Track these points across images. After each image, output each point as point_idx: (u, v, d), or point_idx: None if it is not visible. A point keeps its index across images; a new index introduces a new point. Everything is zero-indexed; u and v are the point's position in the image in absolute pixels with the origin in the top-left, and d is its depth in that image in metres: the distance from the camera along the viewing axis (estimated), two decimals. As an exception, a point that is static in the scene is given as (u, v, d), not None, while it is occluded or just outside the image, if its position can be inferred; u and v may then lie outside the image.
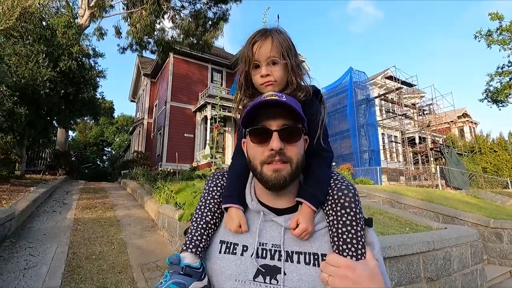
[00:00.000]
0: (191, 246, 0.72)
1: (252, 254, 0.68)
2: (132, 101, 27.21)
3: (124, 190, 10.42)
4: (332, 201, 0.69)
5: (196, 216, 0.77)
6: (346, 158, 18.32)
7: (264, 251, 0.68)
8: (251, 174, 0.79)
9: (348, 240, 0.64)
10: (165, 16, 12.88)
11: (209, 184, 0.82)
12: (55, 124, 11.25)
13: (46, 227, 5.00)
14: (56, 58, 8.64)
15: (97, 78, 10.99)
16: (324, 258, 0.65)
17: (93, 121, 17.55)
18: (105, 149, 38.78)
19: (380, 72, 20.75)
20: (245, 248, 0.70)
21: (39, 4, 8.87)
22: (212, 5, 12.96)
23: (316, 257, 0.66)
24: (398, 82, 18.51)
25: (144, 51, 14.33)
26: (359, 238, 0.64)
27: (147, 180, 9.08)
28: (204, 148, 14.98)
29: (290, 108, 0.65)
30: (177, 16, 13.02)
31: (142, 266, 3.83)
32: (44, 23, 8.88)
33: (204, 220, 0.76)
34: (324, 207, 0.71)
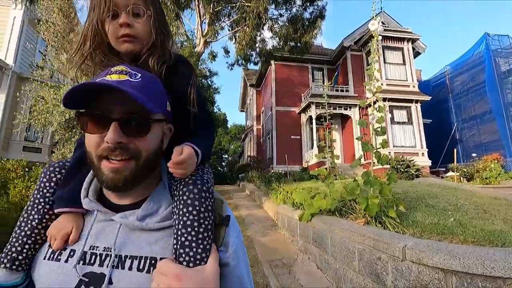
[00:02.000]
0: (5, 261, 0.57)
1: (76, 260, 0.55)
2: (241, 111, 30.01)
3: (243, 192, 11.50)
4: (177, 197, 0.58)
5: (21, 219, 0.62)
6: (490, 146, 14.58)
7: (94, 256, 0.56)
8: None
9: (187, 243, 0.54)
10: (265, 27, 13.63)
11: (41, 179, 0.65)
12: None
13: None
14: (184, 83, 10.49)
15: (214, 95, 12.66)
16: None
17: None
18: (223, 156, 44.07)
19: (534, 30, 15.67)
20: (71, 253, 0.57)
21: (169, 42, 10.98)
22: (308, 5, 12.87)
23: (153, 262, 0.55)
24: None
25: (248, 64, 15.59)
26: (199, 241, 0.54)
27: (262, 182, 9.74)
28: (312, 148, 14.90)
29: (135, 98, 0.50)
30: (275, 25, 13.57)
31: (269, 263, 4.09)
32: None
33: (29, 226, 0.60)
34: (173, 205, 0.59)
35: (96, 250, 0.57)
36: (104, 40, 0.66)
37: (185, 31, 14.52)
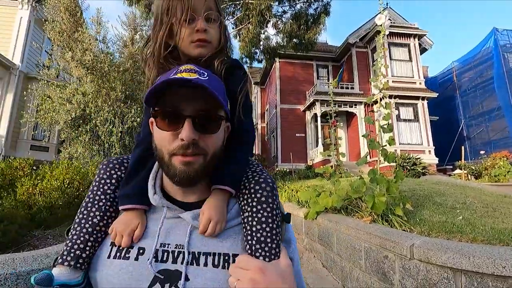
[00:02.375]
0: (69, 258, 0.56)
1: (150, 258, 0.54)
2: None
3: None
4: (248, 195, 0.60)
5: (81, 216, 0.60)
6: (499, 144, 14.35)
7: (166, 254, 0.56)
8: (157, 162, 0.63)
9: (262, 238, 0.56)
10: (269, 25, 13.57)
11: (101, 175, 0.64)
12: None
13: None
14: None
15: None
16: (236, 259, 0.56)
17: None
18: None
19: (545, 25, 15.34)
20: (141, 251, 0.56)
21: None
22: (312, 1, 12.77)
23: (226, 258, 0.57)
24: None
25: (252, 61, 15.54)
26: (273, 237, 0.57)
27: (267, 180, 9.72)
28: (317, 146, 14.83)
29: (210, 93, 0.51)
30: (279, 22, 13.49)
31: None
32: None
33: (90, 223, 0.59)
34: (239, 202, 0.62)
35: (167, 247, 0.57)
36: (170, 42, 0.66)
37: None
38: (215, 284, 0.54)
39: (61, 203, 3.54)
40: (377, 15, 4.01)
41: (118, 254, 0.57)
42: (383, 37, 4.11)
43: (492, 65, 14.79)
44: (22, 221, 2.76)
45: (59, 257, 0.57)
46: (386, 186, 3.30)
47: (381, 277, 2.64)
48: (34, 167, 4.21)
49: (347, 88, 15.69)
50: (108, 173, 0.64)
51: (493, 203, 3.80)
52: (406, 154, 11.52)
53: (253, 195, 0.59)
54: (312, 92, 15.63)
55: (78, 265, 0.56)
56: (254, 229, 0.57)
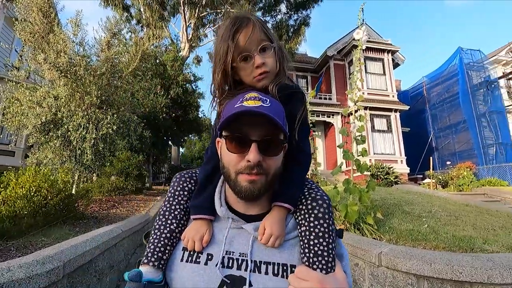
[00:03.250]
0: (153, 259, 0.65)
1: (217, 263, 0.62)
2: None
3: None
4: (306, 210, 0.65)
5: (160, 223, 0.69)
6: (464, 155, 15.29)
7: (231, 260, 0.63)
8: (222, 177, 0.71)
9: (320, 252, 0.61)
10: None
11: (175, 188, 0.73)
12: (170, 143, 13.38)
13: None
14: (167, 87, 10.37)
15: (198, 100, 12.60)
16: (293, 269, 0.62)
17: (197, 137, 20.02)
18: (207, 161, 43.70)
19: (503, 46, 16.75)
20: (209, 257, 0.64)
21: (153, 46, 10.87)
22: (292, 13, 13.18)
23: (285, 268, 0.62)
24: (534, 54, 14.48)
25: (234, 69, 15.65)
26: (330, 251, 0.62)
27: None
28: (295, 155, 15.06)
29: (272, 120, 0.57)
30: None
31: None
32: (157, 60, 10.81)
33: (168, 229, 0.68)
34: (296, 216, 0.67)
35: (232, 255, 0.63)
36: (230, 76, 0.73)
37: (169, 34, 14.40)
38: None
39: (26, 212, 3.34)
40: (355, 29, 4.21)
41: (190, 258, 0.65)
42: (360, 51, 4.31)
43: (458, 81, 15.83)
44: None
45: (143, 258, 0.67)
46: (359, 196, 3.43)
47: (352, 285, 2.72)
48: (-2, 174, 3.97)
49: (325, 98, 16.16)
50: (181, 186, 0.73)
51: (455, 212, 4.05)
52: (380, 164, 11.98)
53: (310, 211, 0.64)
54: (292, 101, 15.90)
55: (160, 265, 0.65)
56: (311, 242, 0.62)
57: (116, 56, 6.82)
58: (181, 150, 37.56)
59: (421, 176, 14.96)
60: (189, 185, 0.74)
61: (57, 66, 5.38)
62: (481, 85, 15.52)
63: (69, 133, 5.52)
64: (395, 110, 14.75)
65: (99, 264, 2.77)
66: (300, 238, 0.64)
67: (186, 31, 14.41)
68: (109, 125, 5.68)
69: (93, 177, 7.64)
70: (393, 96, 15.30)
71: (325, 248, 0.61)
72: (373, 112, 14.37)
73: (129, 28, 15.28)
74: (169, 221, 0.69)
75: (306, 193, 0.68)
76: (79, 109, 5.60)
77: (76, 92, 5.70)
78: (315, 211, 0.64)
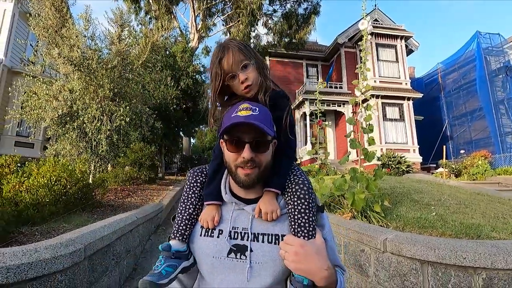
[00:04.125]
0: (178, 235, 0.86)
1: (226, 236, 0.82)
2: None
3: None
4: (291, 192, 0.84)
5: (181, 208, 0.90)
6: (480, 143, 14.88)
7: (236, 233, 0.83)
8: (226, 170, 0.90)
9: (302, 224, 0.79)
10: (259, 23, 13.62)
11: (190, 181, 0.94)
12: (181, 134, 13.58)
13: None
14: (178, 79, 10.46)
15: (208, 90, 12.67)
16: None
17: (207, 128, 20.19)
18: (218, 152, 44.01)
19: (525, 29, 15.91)
20: (220, 232, 0.84)
21: (162, 37, 10.93)
22: (302, 1, 12.90)
23: (277, 237, 0.81)
24: (558, 37, 13.74)
25: (243, 59, 15.55)
26: (311, 223, 0.79)
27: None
28: (305, 145, 15.04)
29: (259, 127, 0.74)
30: (269, 21, 13.57)
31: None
32: (167, 52, 10.89)
33: (187, 212, 0.89)
34: (285, 197, 0.85)
35: (237, 229, 0.84)
36: (226, 91, 0.94)
37: (178, 25, 14.41)
38: (270, 255, 0.79)
39: (48, 200, 3.55)
40: (368, 14, 4.14)
41: (206, 233, 0.86)
42: (365, 42, 4.25)
43: (475, 67, 15.27)
44: (9, 218, 2.79)
45: (171, 235, 0.87)
46: (366, 184, 3.46)
47: (358, 270, 2.80)
48: (20, 164, 4.19)
49: (335, 87, 15.94)
50: (194, 179, 0.94)
51: (466, 200, 4.02)
52: (392, 153, 11.84)
53: (294, 193, 0.83)
54: (302, 91, 15.80)
55: (183, 239, 0.86)
56: (296, 217, 0.80)
57: (127, 49, 6.93)
58: (192, 141, 38.00)
59: (434, 165, 14.70)
60: (201, 178, 0.94)
61: (71, 60, 5.54)
62: (500, 71, 14.92)
63: (84, 125, 5.72)
64: (408, 98, 14.42)
65: (117, 248, 2.94)
66: (288, 214, 0.83)
67: (195, 21, 14.37)
68: (122, 117, 5.85)
69: (108, 168, 7.92)
70: (406, 83, 14.94)
71: (307, 221, 0.79)
72: (385, 101, 14.10)
73: (139, 20, 15.36)
74: (187, 207, 0.90)
75: (292, 178, 0.87)
76: (93, 101, 5.78)
77: (90, 85, 5.87)
78: (298, 193, 0.82)
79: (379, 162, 11.51)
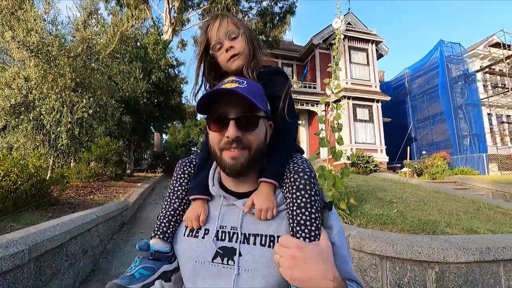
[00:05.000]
0: (159, 233, 0.75)
1: (212, 237, 0.69)
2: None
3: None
4: (289, 183, 0.68)
5: (165, 203, 0.79)
6: (440, 145, 15.92)
7: (223, 234, 0.69)
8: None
9: (302, 221, 0.64)
10: (235, 19, 13.49)
11: (177, 172, 0.83)
12: (152, 129, 13.11)
13: (151, 216, 5.90)
14: (149, 72, 10.05)
15: (181, 85, 12.34)
16: None
17: (180, 124, 19.70)
18: (192, 148, 43.28)
19: (482, 40, 17.25)
20: (206, 231, 0.71)
21: (133, 27, 10.45)
22: (278, 0, 12.95)
23: (272, 239, 0.66)
24: (509, 49, 15.04)
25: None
26: (313, 220, 0.64)
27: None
28: (279, 143, 15.18)
29: (246, 98, 0.62)
30: (245, 18, 13.47)
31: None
32: (138, 43, 10.42)
33: (172, 207, 0.78)
34: (283, 190, 0.71)
35: (224, 229, 0.70)
36: (215, 68, 0.86)
37: (151, 17, 13.87)
38: (262, 260, 0.64)
39: (-7, 197, 3.23)
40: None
41: (190, 233, 0.73)
42: (338, 41, 4.32)
43: (438, 74, 16.29)
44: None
45: (152, 232, 0.76)
46: (333, 182, 3.52)
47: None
48: (-37, 158, 3.78)
49: (309, 87, 16.23)
50: (182, 170, 0.82)
51: (425, 198, 4.26)
52: (361, 153, 12.30)
53: (293, 184, 0.67)
54: (277, 89, 15.87)
55: (165, 238, 0.75)
56: (294, 213, 0.64)
57: (93, 37, 6.52)
58: (165, 137, 36.94)
59: (400, 165, 15.50)
60: (189, 169, 0.82)
61: (27, 45, 5.09)
62: (459, 78, 16.04)
63: (41, 116, 5.29)
64: (377, 101, 15.04)
65: (71, 248, 2.74)
66: (287, 210, 0.67)
67: (170, 14, 13.91)
68: (84, 109, 5.47)
69: (71, 163, 7.43)
70: (375, 86, 15.56)
71: (308, 218, 0.63)
72: (356, 102, 14.59)
73: (110, 10, 14.58)
74: (172, 201, 0.78)
75: (291, 167, 0.71)
76: (52, 91, 5.35)
77: (49, 74, 5.43)
78: (297, 183, 0.66)
79: (349, 161, 11.90)
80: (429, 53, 17.32)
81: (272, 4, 13.06)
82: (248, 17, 13.49)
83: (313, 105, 15.63)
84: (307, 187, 0.65)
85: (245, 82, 0.68)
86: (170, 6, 13.79)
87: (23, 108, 5.27)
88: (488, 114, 16.33)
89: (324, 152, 13.89)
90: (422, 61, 17.86)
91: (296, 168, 0.69)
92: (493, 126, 16.30)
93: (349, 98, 14.30)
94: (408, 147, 12.81)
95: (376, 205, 3.74)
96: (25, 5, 5.65)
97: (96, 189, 6.49)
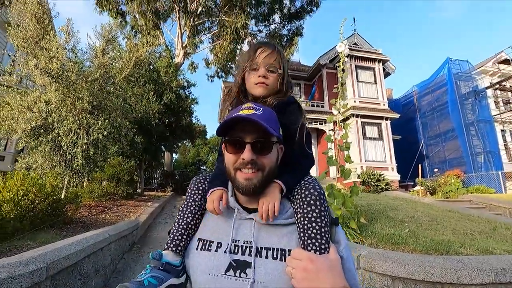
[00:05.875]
0: (172, 245, 0.79)
1: (226, 250, 0.73)
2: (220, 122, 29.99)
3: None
4: (300, 199, 0.73)
5: (179, 217, 0.83)
6: (453, 162, 15.57)
7: (236, 247, 0.73)
8: None
9: (313, 235, 0.67)
10: (245, 41, 14.01)
11: (192, 188, 0.87)
12: (163, 149, 13.36)
13: (161, 236, 5.92)
14: (161, 93, 10.42)
15: (192, 106, 12.68)
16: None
17: (190, 143, 19.99)
18: (201, 167, 43.47)
19: (491, 57, 17.23)
20: (219, 245, 0.75)
21: (147, 52, 10.96)
22: (286, 23, 13.43)
23: (283, 252, 0.70)
24: (518, 66, 14.94)
25: (228, 76, 15.82)
26: (323, 234, 0.67)
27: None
28: (288, 161, 15.17)
29: (261, 125, 0.68)
30: (254, 40, 13.96)
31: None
32: (151, 66, 10.89)
33: (185, 221, 0.81)
34: (293, 205, 0.75)
35: (237, 243, 0.73)
36: (241, 88, 0.93)
37: (164, 41, 14.53)
38: (274, 273, 0.68)
39: (12, 216, 3.35)
40: (348, 38, 4.37)
41: (203, 247, 0.77)
42: (343, 63, 4.45)
43: (447, 90, 16.24)
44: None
45: (165, 245, 0.80)
46: (343, 201, 3.52)
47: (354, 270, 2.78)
48: (-14, 178, 3.97)
49: (317, 106, 16.39)
50: (196, 186, 0.86)
51: (438, 217, 4.16)
52: (371, 171, 12.14)
53: (304, 199, 0.71)
54: (285, 108, 16.06)
55: (178, 251, 0.78)
56: (305, 227, 0.69)
57: (110, 63, 6.88)
58: (175, 156, 37.34)
59: (412, 183, 15.17)
60: (203, 185, 0.86)
61: (48, 71, 5.41)
62: (469, 95, 15.93)
63: (59, 138, 5.52)
64: (386, 118, 15.01)
65: (84, 267, 2.79)
66: (297, 224, 0.72)
67: (181, 38, 14.55)
68: (99, 130, 5.70)
69: (84, 183, 7.61)
70: (384, 104, 15.58)
71: (318, 232, 0.67)
72: (364, 120, 14.59)
73: (125, 34, 15.40)
74: (185, 216, 0.82)
75: (302, 184, 0.76)
76: (70, 114, 5.62)
77: (68, 97, 5.72)
78: (307, 199, 0.71)
79: (359, 180, 11.74)
80: (437, 70, 17.37)
81: (280, 27, 13.54)
82: (257, 39, 13.98)
83: (321, 124, 15.70)
84: (318, 203, 0.70)
85: (261, 109, 0.74)
86: (182, 31, 14.46)
87: (42, 130, 5.53)
88: (502, 130, 16.01)
89: (333, 170, 13.77)
90: (430, 78, 17.88)
91: (307, 186, 0.74)
92: (508, 143, 15.91)
93: (357, 116, 14.33)
94: (420, 165, 12.58)
95: (387, 224, 3.68)
96: (49, 35, 6.07)
97: (108, 208, 6.59)
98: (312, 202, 0.70)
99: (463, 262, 2.13)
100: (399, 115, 15.45)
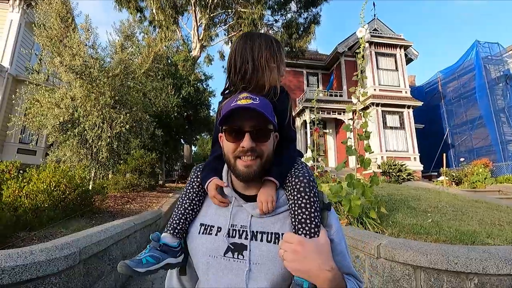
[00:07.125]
0: (170, 229, 0.85)
1: (224, 234, 0.78)
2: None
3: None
4: (291, 186, 0.77)
5: (178, 204, 0.90)
6: (481, 151, 14.84)
7: (234, 231, 0.78)
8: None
9: (303, 220, 0.71)
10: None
11: (191, 176, 0.92)
12: (182, 142, 13.67)
13: (182, 225, 6.12)
14: (179, 87, 10.59)
15: (209, 98, 12.82)
16: None
17: (208, 136, 20.27)
18: (219, 159, 44.08)
19: (523, 38, 16.03)
20: (219, 229, 0.80)
21: (165, 47, 11.13)
22: (303, 11, 13.14)
23: (277, 236, 0.76)
24: (556, 46, 13.82)
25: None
26: (312, 219, 0.71)
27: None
28: (306, 152, 15.05)
29: (260, 113, 0.72)
30: (270, 31, 13.80)
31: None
32: (169, 61, 11.07)
33: (183, 207, 0.87)
34: (286, 193, 0.79)
35: (235, 227, 0.79)
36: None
37: (181, 35, 14.67)
38: (268, 255, 0.74)
39: (46, 205, 3.59)
40: (367, 23, 4.24)
41: (204, 231, 0.82)
42: (363, 50, 4.33)
43: (474, 76, 15.36)
44: (7, 223, 2.83)
45: (165, 228, 0.86)
46: (362, 191, 3.47)
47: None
48: (21, 170, 4.25)
49: (336, 95, 16.05)
50: (196, 174, 0.91)
51: (463, 208, 4.02)
52: (392, 161, 11.82)
53: (294, 187, 0.76)
54: (302, 99, 15.91)
55: (175, 233, 0.84)
56: (296, 212, 0.73)
57: (129, 58, 7.06)
58: (194, 148, 38.11)
59: (436, 173, 14.64)
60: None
61: (73, 68, 5.65)
62: (500, 79, 14.97)
63: (85, 132, 5.79)
64: (408, 107, 14.48)
65: (113, 253, 2.96)
66: (290, 210, 0.76)
67: (197, 31, 14.63)
68: (122, 124, 5.92)
69: (109, 175, 7.96)
70: (406, 92, 15.01)
71: (307, 217, 0.72)
72: (385, 109, 14.16)
73: (142, 29, 15.68)
74: (184, 202, 0.88)
75: (293, 172, 0.80)
76: (94, 109, 5.87)
77: (91, 93, 5.96)
78: (297, 186, 0.75)
79: (379, 170, 11.48)
80: (464, 55, 16.44)
81: (296, 16, 13.26)
82: (273, 30, 13.79)
83: (340, 114, 15.40)
84: (307, 189, 0.74)
85: (258, 98, 0.76)
86: (198, 24, 14.52)
87: (69, 125, 5.82)
88: (536, 116, 15.01)
89: (352, 160, 13.53)
90: (456, 63, 16.98)
91: (297, 173, 0.78)
92: (543, 130, 14.90)
93: (377, 105, 13.92)
94: (444, 155, 12.08)
95: (408, 214, 3.61)
96: (70, 32, 6.31)
97: (132, 199, 6.88)
98: (301, 189, 0.74)
99: (489, 252, 2.07)
100: (422, 103, 14.85)
